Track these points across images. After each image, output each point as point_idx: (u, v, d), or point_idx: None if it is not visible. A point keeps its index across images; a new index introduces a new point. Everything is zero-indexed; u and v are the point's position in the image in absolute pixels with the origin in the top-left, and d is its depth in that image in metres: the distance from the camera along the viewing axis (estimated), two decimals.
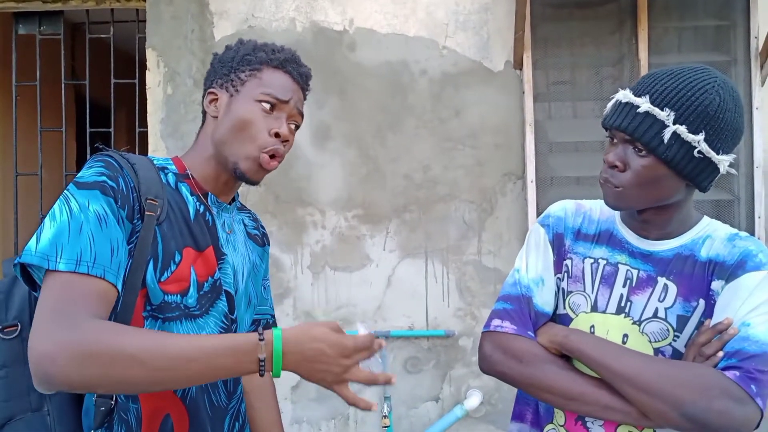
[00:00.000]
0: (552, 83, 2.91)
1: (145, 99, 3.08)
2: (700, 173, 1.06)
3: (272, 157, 1.14)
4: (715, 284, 1.10)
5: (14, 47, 3.21)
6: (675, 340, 1.10)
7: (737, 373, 1.01)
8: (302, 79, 1.21)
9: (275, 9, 3.03)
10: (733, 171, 1.12)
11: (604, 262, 1.19)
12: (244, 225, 1.32)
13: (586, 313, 1.18)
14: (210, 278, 1.12)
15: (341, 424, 3.04)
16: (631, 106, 1.07)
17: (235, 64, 1.16)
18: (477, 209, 2.98)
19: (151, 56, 3.06)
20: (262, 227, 1.39)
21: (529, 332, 1.19)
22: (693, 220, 1.16)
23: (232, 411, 1.21)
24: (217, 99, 1.17)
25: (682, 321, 1.11)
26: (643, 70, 2.80)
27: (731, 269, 1.09)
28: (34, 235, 0.96)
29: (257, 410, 1.36)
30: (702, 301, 1.11)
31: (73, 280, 0.91)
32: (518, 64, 2.90)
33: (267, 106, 1.13)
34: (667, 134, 1.03)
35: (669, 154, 1.04)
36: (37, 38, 3.20)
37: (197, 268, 1.10)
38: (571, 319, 1.20)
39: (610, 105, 1.14)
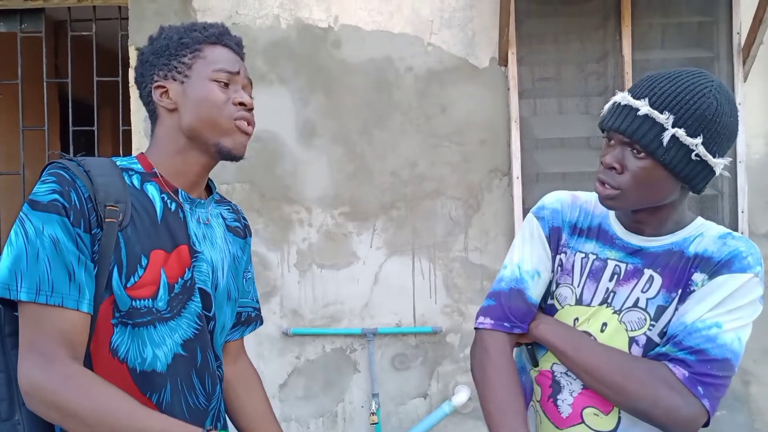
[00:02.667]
0: (537, 79, 2.92)
1: (129, 97, 3.06)
2: (697, 175, 1.07)
3: (247, 124, 1.16)
4: (696, 276, 1.11)
5: None
6: (650, 329, 1.13)
7: (687, 373, 1.06)
8: (240, 48, 1.21)
9: (259, 6, 3.01)
10: (726, 174, 1.14)
11: (594, 257, 1.22)
12: (223, 218, 1.30)
13: (571, 305, 1.21)
14: (180, 279, 1.11)
15: (329, 421, 3.04)
16: (630, 109, 1.08)
17: (173, 50, 1.13)
18: (463, 206, 2.99)
19: (133, 54, 3.03)
20: (244, 219, 1.37)
21: (505, 324, 1.23)
22: (687, 219, 1.17)
23: (213, 412, 1.20)
24: (166, 90, 1.14)
25: (660, 310, 1.13)
26: (627, 67, 2.82)
27: (716, 266, 1.10)
28: (1, 261, 0.99)
29: (244, 400, 1.33)
30: (680, 291, 1.13)
31: (41, 314, 0.97)
32: (503, 61, 2.90)
33: (222, 82, 1.13)
34: (666, 137, 1.04)
35: (667, 157, 1.05)
36: (18, 36, 3.16)
37: (168, 269, 1.09)
38: (557, 310, 1.24)
39: (607, 107, 1.15)
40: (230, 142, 1.14)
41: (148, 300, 1.06)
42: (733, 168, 2.79)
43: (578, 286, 1.21)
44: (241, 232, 1.34)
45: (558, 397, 1.21)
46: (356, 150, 3.01)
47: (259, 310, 1.41)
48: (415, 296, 3.01)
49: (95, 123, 3.19)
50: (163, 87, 1.14)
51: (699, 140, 1.04)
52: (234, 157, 1.16)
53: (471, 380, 2.95)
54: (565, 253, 1.25)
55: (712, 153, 1.06)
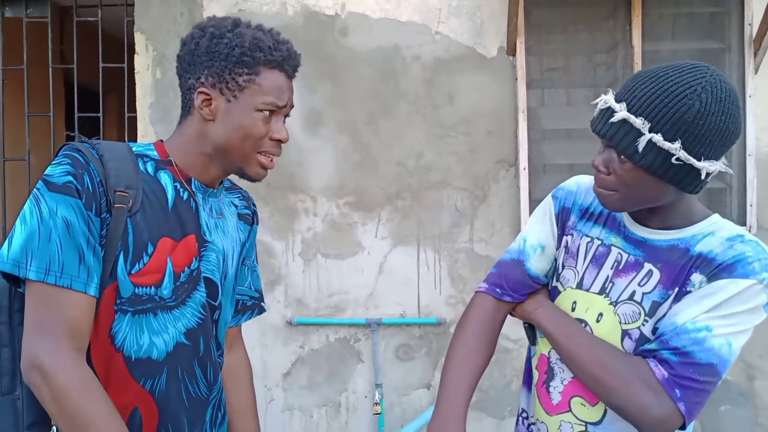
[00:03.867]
0: (545, 70, 2.89)
1: (134, 83, 3.04)
2: (683, 178, 1.04)
3: (271, 160, 1.17)
4: (695, 276, 1.08)
5: (1, 30, 3.16)
6: (644, 324, 1.11)
7: (666, 374, 1.04)
8: (296, 72, 1.19)
9: None
10: (730, 171, 1.11)
11: (599, 242, 1.21)
12: (235, 206, 1.31)
13: (572, 288, 1.22)
14: (187, 268, 1.12)
15: (333, 411, 3.05)
16: (612, 113, 1.06)
17: (231, 65, 1.09)
18: (469, 196, 2.97)
19: (139, 40, 3.02)
20: (254, 205, 1.38)
21: (497, 290, 1.29)
22: (698, 216, 1.14)
23: (214, 401, 1.20)
24: (210, 100, 1.11)
25: (655, 306, 1.11)
26: (637, 57, 2.79)
27: (717, 269, 1.06)
28: (7, 239, 1.00)
29: (229, 391, 1.34)
30: (677, 289, 1.10)
31: (49, 295, 0.98)
32: (512, 50, 2.87)
33: (267, 113, 1.12)
34: (641, 143, 1.02)
35: (645, 162, 1.03)
36: (24, 21, 3.14)
37: (174, 258, 1.10)
38: (559, 293, 1.25)
39: (597, 108, 1.13)
40: (252, 171, 1.16)
41: (151, 288, 1.07)
42: (742, 161, 2.76)
43: (581, 270, 1.22)
44: (249, 218, 1.35)
45: (551, 383, 1.23)
46: (362, 139, 2.99)
47: (257, 299, 1.40)
48: (419, 287, 3.00)
49: (101, 109, 3.18)
50: (208, 96, 1.11)
51: (678, 144, 1.00)
52: (253, 180, 1.18)
53: None
54: (572, 235, 1.26)
55: (696, 156, 1.02)
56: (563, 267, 1.26)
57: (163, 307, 1.08)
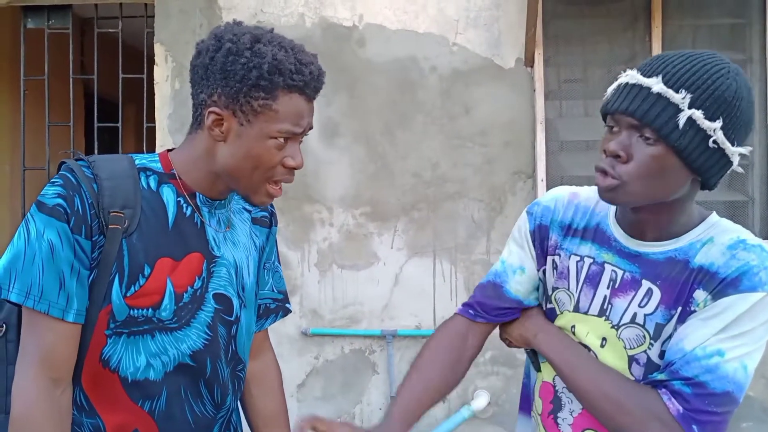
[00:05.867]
0: (563, 81, 2.88)
1: (153, 94, 3.07)
2: (713, 166, 0.95)
3: (280, 188, 1.10)
4: (698, 293, 0.99)
5: (23, 41, 3.21)
6: (650, 348, 1.03)
7: (681, 409, 0.96)
8: (317, 93, 1.09)
9: (284, 4, 3.00)
10: (740, 170, 1.02)
11: (590, 261, 1.11)
12: (248, 211, 1.24)
13: (569, 311, 1.13)
14: (190, 288, 1.08)
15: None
16: (640, 88, 0.95)
17: (246, 87, 0.99)
18: (486, 208, 2.95)
19: (159, 51, 3.05)
20: (271, 206, 1.28)
21: (470, 311, 1.23)
22: (695, 220, 1.04)
23: (222, 421, 1.17)
24: (222, 120, 1.03)
25: (659, 329, 1.02)
26: None
27: (722, 285, 0.96)
28: (2, 257, 1.01)
29: (256, 398, 1.30)
30: (680, 309, 1.01)
31: (32, 320, 0.99)
32: (529, 62, 2.86)
33: (281, 141, 1.04)
34: (682, 119, 0.92)
35: (682, 142, 0.92)
36: (45, 32, 3.19)
37: (175, 278, 1.06)
38: (557, 315, 1.16)
39: (611, 89, 1.02)
40: (258, 200, 1.09)
41: (148, 310, 1.04)
42: (764, 174, 2.72)
43: (575, 292, 1.13)
44: (267, 221, 1.28)
45: (558, 414, 1.14)
46: (378, 150, 2.99)
47: (281, 300, 1.33)
48: (435, 298, 2.98)
49: (120, 119, 3.21)
50: (219, 116, 1.03)
51: (718, 124, 0.92)
52: (257, 206, 1.17)
53: (491, 385, 2.93)
54: (559, 255, 1.16)
55: (730, 141, 0.94)
56: (554, 289, 1.16)
57: (162, 329, 1.05)
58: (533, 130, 2.87)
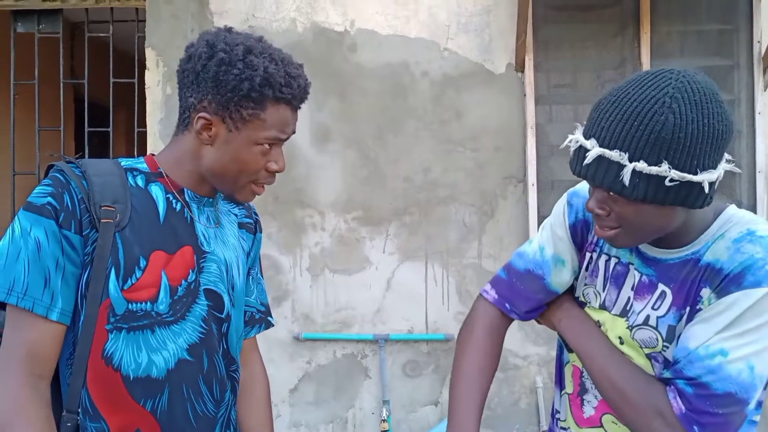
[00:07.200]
0: (553, 86, 2.90)
1: (144, 99, 3.07)
2: (687, 196, 0.92)
3: (263, 187, 1.16)
4: (704, 291, 0.99)
5: (13, 45, 3.19)
6: (664, 350, 1.04)
7: (684, 409, 0.97)
8: (302, 103, 1.15)
9: (276, 9, 3.01)
10: (737, 170, 0.99)
11: (616, 260, 1.14)
12: (234, 215, 1.27)
13: (595, 309, 1.16)
14: (184, 281, 1.09)
15: (339, 427, 3.02)
16: (586, 150, 0.96)
17: (236, 98, 1.04)
18: (477, 212, 2.97)
19: (150, 56, 3.05)
20: (255, 214, 1.34)
21: (506, 305, 1.22)
22: (708, 219, 1.03)
23: (222, 419, 1.17)
24: (210, 125, 1.07)
25: (671, 331, 1.03)
26: None
27: (725, 281, 0.95)
28: None
29: (241, 410, 1.29)
30: (688, 309, 1.01)
31: (15, 317, 0.99)
32: (520, 67, 2.88)
33: (267, 147, 1.09)
34: (626, 176, 0.91)
35: (638, 194, 0.92)
36: (35, 37, 3.18)
37: (169, 271, 1.07)
38: (585, 306, 1.19)
39: (570, 149, 1.03)
40: (242, 197, 1.15)
41: (147, 303, 1.05)
42: (752, 178, 2.75)
43: (602, 290, 1.15)
44: (252, 227, 1.31)
45: (584, 397, 1.18)
46: (370, 155, 3.00)
47: (264, 312, 1.36)
48: (427, 303, 2.99)
49: (111, 124, 3.20)
50: (209, 121, 1.06)
51: (665, 166, 0.89)
52: (240, 203, 1.20)
53: None
54: (595, 251, 1.17)
55: (691, 170, 0.90)
56: (585, 285, 1.19)
57: (161, 323, 1.06)
58: (524, 134, 2.89)
